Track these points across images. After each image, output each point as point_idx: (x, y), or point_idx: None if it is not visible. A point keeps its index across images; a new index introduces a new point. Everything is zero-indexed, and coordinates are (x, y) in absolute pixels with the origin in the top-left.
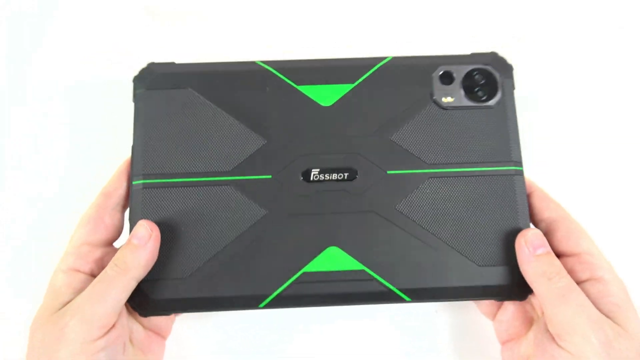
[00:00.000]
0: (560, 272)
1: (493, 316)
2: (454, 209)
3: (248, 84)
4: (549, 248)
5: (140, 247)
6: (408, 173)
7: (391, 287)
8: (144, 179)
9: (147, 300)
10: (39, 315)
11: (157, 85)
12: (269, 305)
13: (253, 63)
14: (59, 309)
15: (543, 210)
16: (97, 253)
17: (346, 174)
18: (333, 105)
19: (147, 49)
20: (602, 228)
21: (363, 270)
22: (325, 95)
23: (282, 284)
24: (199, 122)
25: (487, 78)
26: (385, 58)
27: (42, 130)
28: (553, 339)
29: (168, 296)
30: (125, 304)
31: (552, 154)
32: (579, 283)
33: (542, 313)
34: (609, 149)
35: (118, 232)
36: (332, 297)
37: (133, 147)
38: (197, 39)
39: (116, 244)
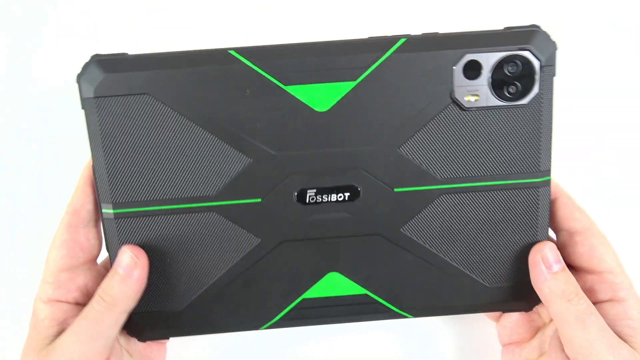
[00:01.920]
0: (578, 293)
1: (497, 319)
2: (467, 227)
3: (222, 86)
4: (564, 264)
5: (127, 277)
6: (418, 190)
7: (395, 309)
8: (114, 208)
9: (142, 330)
10: (26, 349)
11: (108, 90)
12: (269, 328)
13: (225, 53)
14: (48, 344)
15: (567, 219)
16: (79, 279)
17: (347, 194)
18: (330, 109)
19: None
20: (619, 234)
21: (366, 295)
22: (320, 97)
23: (281, 312)
24: (167, 137)
25: (523, 68)
26: (397, 40)
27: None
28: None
29: (163, 327)
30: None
31: (563, 152)
32: (597, 303)
33: (550, 322)
34: (620, 147)
35: (97, 249)
36: (333, 318)
37: (94, 168)
38: (175, 33)
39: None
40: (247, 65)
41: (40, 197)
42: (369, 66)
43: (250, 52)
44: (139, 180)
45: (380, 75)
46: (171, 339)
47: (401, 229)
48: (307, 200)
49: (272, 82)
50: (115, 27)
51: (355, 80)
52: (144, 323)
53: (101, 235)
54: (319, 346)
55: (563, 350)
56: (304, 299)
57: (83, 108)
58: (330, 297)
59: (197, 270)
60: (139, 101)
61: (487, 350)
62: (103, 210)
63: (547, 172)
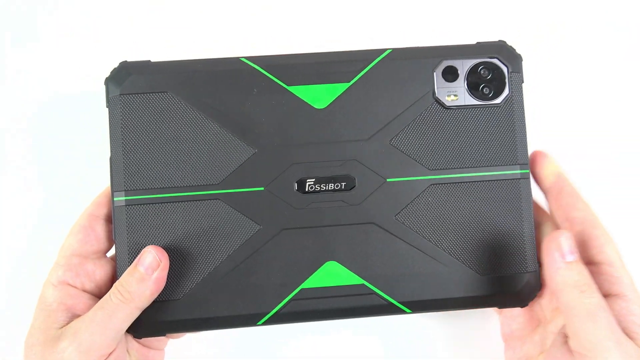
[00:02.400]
0: (591, 286)
1: (499, 310)
2: (456, 217)
3: (233, 85)
4: (578, 255)
5: (147, 277)
6: (409, 180)
7: (392, 300)
8: (126, 195)
9: (140, 322)
10: (32, 332)
11: (132, 88)
12: (267, 323)
13: (237, 60)
14: (57, 328)
15: (570, 209)
16: (89, 266)
17: (343, 184)
18: (327, 107)
19: (122, 47)
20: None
21: (363, 285)
22: (319, 96)
23: (280, 302)
24: (182, 130)
25: (493, 72)
26: (384, 51)
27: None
28: (571, 356)
29: (162, 318)
30: None
31: (563, 150)
32: None
33: (552, 318)
34: (620, 145)
35: (110, 243)
36: (332, 312)
37: (111, 159)
38: (175, 34)
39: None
40: (255, 68)
41: (42, 200)
42: (361, 70)
43: (258, 59)
44: (152, 169)
45: (370, 77)
46: (169, 344)
47: (394, 218)
48: (307, 189)
49: (276, 82)
50: (115, 28)
51: (349, 81)
52: (141, 314)
53: None
54: (314, 346)
55: (565, 344)
56: (302, 289)
57: (108, 106)
58: (328, 287)
59: (199, 257)
60: (159, 98)
61: (484, 349)
62: (115, 199)
63: (525, 165)
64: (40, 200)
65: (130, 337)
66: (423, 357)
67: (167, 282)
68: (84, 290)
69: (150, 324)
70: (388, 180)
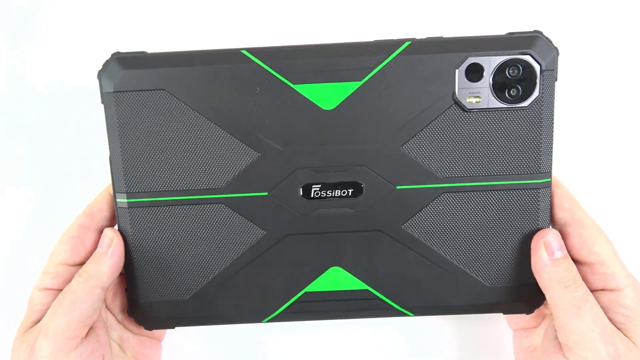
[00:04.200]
0: (576, 281)
1: None
2: (468, 226)
3: (234, 84)
4: (566, 252)
5: (102, 254)
6: (420, 188)
7: (395, 305)
8: (128, 197)
9: (149, 318)
10: (17, 333)
11: (126, 85)
12: (271, 321)
13: (238, 52)
14: (32, 327)
15: (556, 210)
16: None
17: (350, 191)
18: (336, 108)
19: (118, 35)
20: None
21: (367, 290)
22: (327, 96)
23: (284, 304)
24: (181, 131)
25: (524, 71)
26: (402, 43)
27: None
28: (560, 349)
29: (170, 315)
30: (121, 319)
31: (575, 155)
32: (592, 291)
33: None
34: (625, 149)
35: None
36: (335, 313)
37: (111, 160)
38: (173, 21)
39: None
40: (258, 64)
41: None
42: (375, 67)
43: (261, 52)
44: (152, 171)
45: (385, 76)
46: (166, 338)
47: (402, 226)
48: (312, 195)
49: (281, 80)
50: (111, 16)
51: (361, 80)
52: (150, 311)
53: None
54: (319, 345)
55: (556, 338)
56: (306, 292)
57: (103, 102)
58: (331, 292)
59: (204, 260)
60: (155, 96)
61: (486, 349)
62: (117, 200)
63: (548, 173)
64: (35, 199)
65: (128, 335)
66: (430, 356)
67: (173, 283)
68: None
69: (159, 318)
70: (398, 187)
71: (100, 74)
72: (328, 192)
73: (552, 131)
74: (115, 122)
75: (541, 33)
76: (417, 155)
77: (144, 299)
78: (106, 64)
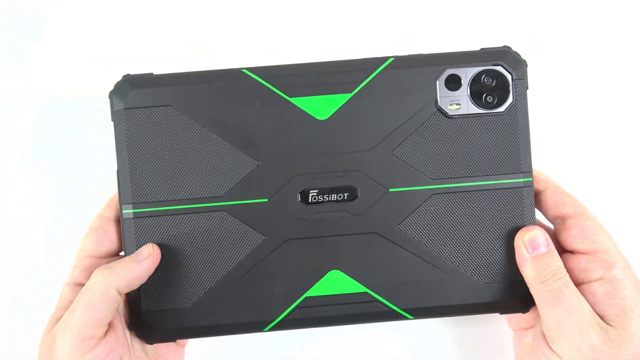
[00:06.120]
0: (555, 274)
1: None
2: (459, 225)
3: (235, 98)
4: (549, 248)
5: (131, 259)
6: (411, 190)
7: (394, 307)
8: (134, 207)
9: (151, 329)
10: (45, 328)
11: (136, 102)
12: (273, 329)
13: (239, 72)
14: (56, 323)
15: (559, 207)
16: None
17: (346, 194)
18: (329, 118)
19: (125, 59)
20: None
21: (366, 293)
22: (321, 107)
23: (285, 310)
24: (186, 143)
25: (497, 80)
26: (385, 60)
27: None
28: (546, 340)
29: (171, 326)
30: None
31: (565, 156)
32: (588, 282)
33: None
34: (624, 150)
35: (120, 246)
36: (336, 319)
37: (118, 172)
38: (177, 46)
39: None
40: (257, 80)
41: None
42: (362, 80)
43: (260, 70)
44: (158, 182)
45: (372, 88)
46: (190, 346)
47: (397, 227)
48: (310, 200)
49: (278, 94)
50: (120, 39)
51: (351, 92)
52: (152, 321)
53: None
54: (319, 345)
55: (542, 334)
56: (306, 297)
57: (113, 120)
58: (332, 295)
59: (205, 267)
60: (162, 112)
61: (486, 349)
62: (123, 211)
63: (529, 173)
64: (58, 206)
65: None
66: (430, 356)
67: (176, 291)
68: None
69: (160, 330)
70: (390, 190)
71: (112, 94)
72: (325, 197)
73: (529, 133)
74: (124, 136)
75: (509, 48)
76: (407, 159)
77: (146, 308)
78: (117, 85)
